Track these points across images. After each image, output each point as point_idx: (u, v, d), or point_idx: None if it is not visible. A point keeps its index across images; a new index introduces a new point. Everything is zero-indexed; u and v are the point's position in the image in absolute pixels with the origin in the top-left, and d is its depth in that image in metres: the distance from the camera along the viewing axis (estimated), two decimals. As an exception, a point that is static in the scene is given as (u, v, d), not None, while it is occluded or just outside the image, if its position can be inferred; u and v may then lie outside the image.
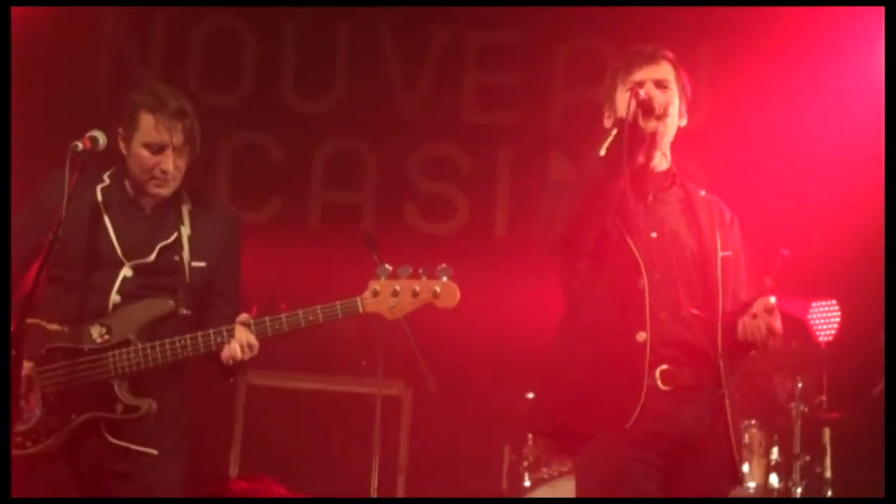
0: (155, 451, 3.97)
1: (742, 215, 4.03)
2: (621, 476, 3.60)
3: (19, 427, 3.83)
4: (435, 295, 3.86)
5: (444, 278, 3.87)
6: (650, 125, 3.70)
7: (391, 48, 6.83)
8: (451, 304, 3.87)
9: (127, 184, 4.08)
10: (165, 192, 4.03)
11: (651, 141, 3.76)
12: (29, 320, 3.65)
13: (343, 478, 5.89)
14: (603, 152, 3.57)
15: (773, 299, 3.59)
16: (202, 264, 4.07)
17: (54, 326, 3.93)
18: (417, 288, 3.86)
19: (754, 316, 3.60)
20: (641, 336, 3.62)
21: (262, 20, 6.83)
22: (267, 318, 3.90)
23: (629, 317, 3.63)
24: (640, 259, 3.65)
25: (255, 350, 3.90)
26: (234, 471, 5.99)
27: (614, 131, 3.58)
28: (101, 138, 3.87)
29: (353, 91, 6.81)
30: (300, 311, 3.90)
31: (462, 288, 3.91)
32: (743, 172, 6.26)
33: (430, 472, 6.14)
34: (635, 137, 3.62)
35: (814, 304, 5.86)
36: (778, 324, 3.61)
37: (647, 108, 3.66)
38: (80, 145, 3.81)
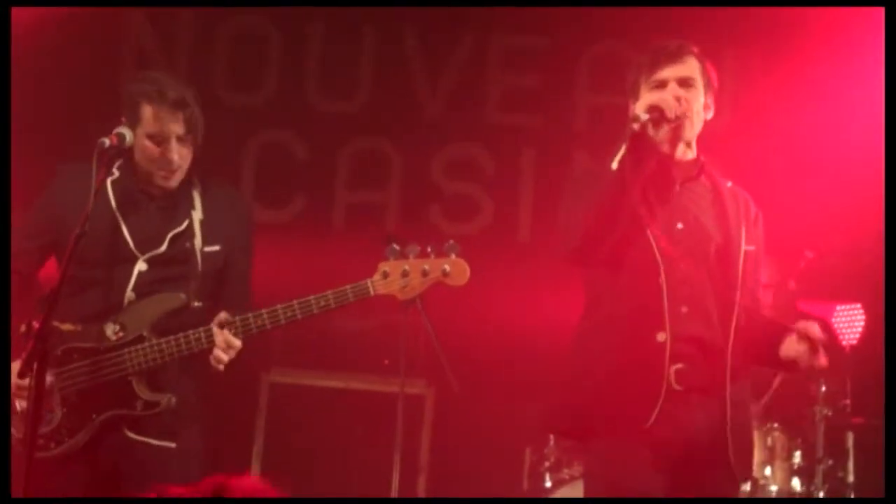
0: (173, 445, 3.97)
1: (767, 217, 4.01)
2: (628, 479, 3.59)
3: (41, 429, 3.81)
4: (445, 273, 3.81)
5: (453, 255, 3.81)
6: (662, 132, 3.67)
7: (416, 49, 6.84)
8: (462, 281, 3.82)
9: (136, 174, 4.08)
10: (173, 183, 4.02)
11: (672, 137, 3.75)
12: None
13: (364, 476, 5.89)
14: (615, 166, 3.55)
15: (818, 329, 3.60)
16: (216, 248, 4.05)
17: (68, 326, 3.92)
18: (427, 267, 3.82)
19: (800, 339, 3.60)
20: (661, 336, 3.61)
21: (287, 21, 6.84)
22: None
23: (648, 315, 3.62)
24: (659, 256, 3.64)
25: (236, 349, 3.87)
26: (255, 468, 6.01)
27: (624, 146, 3.56)
28: (129, 135, 3.89)
29: (378, 91, 6.82)
30: (311, 298, 3.86)
31: (486, 288, 3.88)
32: (767, 175, 6.24)
33: (451, 472, 6.13)
34: (645, 148, 3.59)
35: (838, 308, 5.84)
36: (822, 359, 3.62)
37: (658, 118, 3.63)
38: (107, 142, 3.82)
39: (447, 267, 3.81)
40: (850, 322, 5.83)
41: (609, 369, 3.63)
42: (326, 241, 6.59)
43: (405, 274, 3.83)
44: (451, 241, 3.84)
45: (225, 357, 3.86)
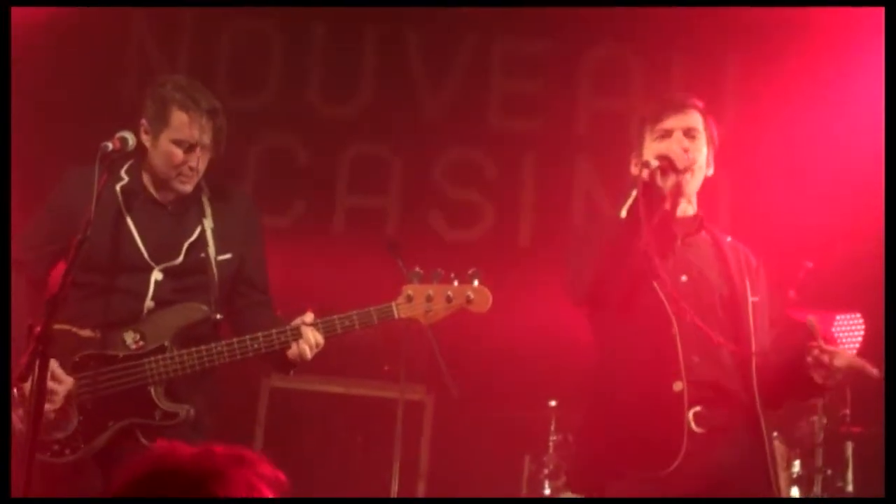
0: None
1: (767, 226, 4.03)
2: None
3: (57, 435, 3.82)
4: (468, 300, 3.86)
5: (476, 282, 3.87)
6: (669, 182, 3.68)
7: (418, 53, 6.84)
8: (484, 308, 3.87)
9: (146, 178, 4.05)
10: (189, 188, 4.02)
11: (676, 191, 3.76)
12: (59, 326, 3.58)
13: (363, 482, 5.89)
14: (624, 214, 3.56)
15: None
16: (228, 256, 4.05)
17: (86, 332, 3.91)
18: (450, 293, 3.86)
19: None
20: (678, 386, 3.63)
21: (289, 23, 6.84)
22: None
23: (663, 366, 3.64)
24: (669, 307, 3.65)
25: (321, 347, 3.91)
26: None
27: (633, 192, 3.57)
28: (131, 139, 3.87)
29: (380, 95, 6.81)
30: (335, 317, 3.89)
31: (487, 293, 3.89)
32: (767, 183, 6.24)
33: (450, 479, 6.13)
34: (654, 197, 3.61)
35: (838, 317, 5.83)
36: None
37: (666, 167, 3.65)
38: (109, 145, 3.80)
39: (471, 294, 3.86)
40: (850, 331, 5.83)
41: (628, 421, 3.65)
42: (327, 246, 6.58)
43: (429, 299, 3.86)
44: (474, 269, 3.88)
45: (309, 354, 3.88)
